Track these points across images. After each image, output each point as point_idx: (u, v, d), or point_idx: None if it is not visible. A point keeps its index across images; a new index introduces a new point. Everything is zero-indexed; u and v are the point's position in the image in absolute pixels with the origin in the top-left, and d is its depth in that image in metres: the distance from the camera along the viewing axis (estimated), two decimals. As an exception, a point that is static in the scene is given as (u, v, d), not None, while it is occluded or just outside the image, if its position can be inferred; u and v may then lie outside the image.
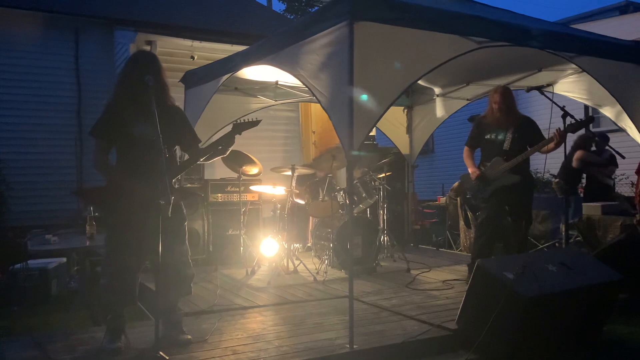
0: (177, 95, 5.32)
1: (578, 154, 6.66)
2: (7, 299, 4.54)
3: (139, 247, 3.04)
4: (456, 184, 8.02)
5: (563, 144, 4.47)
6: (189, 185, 6.06)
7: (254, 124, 3.24)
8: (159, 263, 2.77)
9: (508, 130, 4.73)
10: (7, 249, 5.16)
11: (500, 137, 4.76)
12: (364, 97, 3.20)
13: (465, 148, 5.04)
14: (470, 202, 6.88)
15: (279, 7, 25.36)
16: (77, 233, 4.55)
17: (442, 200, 8.35)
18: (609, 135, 7.04)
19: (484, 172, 4.78)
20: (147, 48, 7.15)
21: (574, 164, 6.63)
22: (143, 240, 2.99)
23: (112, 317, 3.17)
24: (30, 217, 6.61)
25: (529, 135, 4.71)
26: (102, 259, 3.30)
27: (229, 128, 3.20)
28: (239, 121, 3.21)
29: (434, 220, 8.29)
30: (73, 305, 4.17)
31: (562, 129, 4.40)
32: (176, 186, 3.27)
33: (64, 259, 5.29)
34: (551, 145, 4.52)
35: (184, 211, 3.29)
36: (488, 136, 4.83)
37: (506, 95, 4.73)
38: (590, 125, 10.16)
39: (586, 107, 8.71)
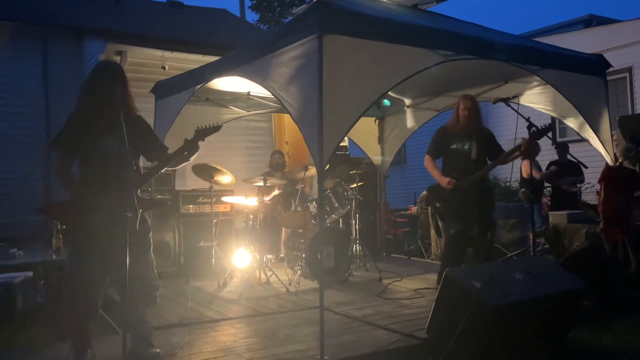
0: (148, 105, 5.31)
1: (523, 164, 6.80)
2: (-30, 316, 4.40)
3: (104, 260, 3.00)
4: (424, 193, 8.12)
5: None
6: (159, 196, 5.99)
7: (216, 129, 3.24)
8: (124, 276, 2.73)
9: (472, 140, 4.81)
10: (-30, 263, 5.01)
11: (466, 147, 4.83)
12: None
13: (428, 157, 4.98)
14: (441, 210, 6.97)
15: (252, 17, 25.36)
16: (44, 246, 4.47)
17: (414, 209, 8.44)
18: (574, 145, 7.24)
19: (458, 183, 4.76)
20: (117, 58, 7.07)
21: (523, 173, 6.81)
22: (108, 254, 2.95)
23: (77, 331, 3.11)
24: (-6, 230, 6.45)
25: (490, 145, 4.87)
26: (65, 272, 3.24)
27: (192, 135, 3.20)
28: (200, 127, 3.20)
29: (406, 229, 8.37)
30: (39, 321, 4.08)
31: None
32: (142, 196, 3.24)
33: (30, 273, 5.17)
34: (517, 153, 4.63)
35: (149, 222, 3.26)
36: (454, 146, 4.86)
37: (475, 103, 4.85)
38: (557, 135, 10.44)
39: (553, 119, 8.94)
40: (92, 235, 2.95)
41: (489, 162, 4.87)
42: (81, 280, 3.01)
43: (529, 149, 4.45)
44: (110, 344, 3.32)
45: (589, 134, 4.83)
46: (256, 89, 5.63)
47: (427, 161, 5.00)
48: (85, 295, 3.03)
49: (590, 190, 8.73)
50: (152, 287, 3.23)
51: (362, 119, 3.58)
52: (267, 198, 5.65)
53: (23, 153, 7.00)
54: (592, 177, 7.42)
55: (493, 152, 4.87)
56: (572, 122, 4.99)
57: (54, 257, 4.08)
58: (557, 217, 5.66)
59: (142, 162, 3.38)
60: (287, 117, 8.49)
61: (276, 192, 6.26)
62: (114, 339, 3.41)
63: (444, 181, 4.82)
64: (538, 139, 4.54)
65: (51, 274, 4.25)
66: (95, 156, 3.01)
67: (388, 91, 3.59)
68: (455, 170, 4.81)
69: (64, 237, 4.09)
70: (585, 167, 5.13)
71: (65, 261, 3.38)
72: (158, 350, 3.23)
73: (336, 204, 5.81)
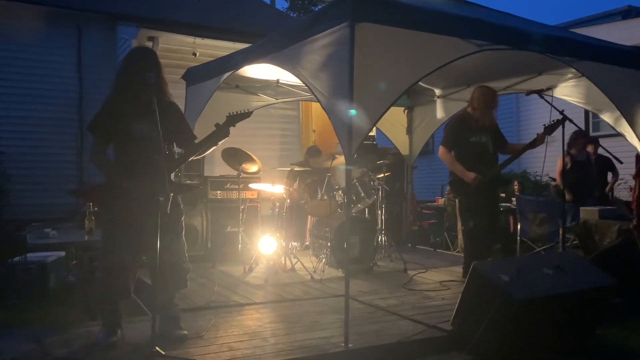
0: (179, 91, 5.37)
1: (559, 159, 6.66)
2: (5, 292, 4.56)
3: (137, 243, 3.06)
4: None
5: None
6: (188, 181, 6.07)
7: (247, 115, 3.24)
8: (156, 259, 2.79)
9: (488, 132, 4.79)
10: (6, 242, 5.18)
11: (484, 139, 4.79)
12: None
13: (445, 149, 4.78)
14: (462, 204, 6.90)
15: (282, 4, 25.41)
16: (76, 227, 4.58)
17: (441, 201, 8.37)
18: (609, 139, 7.05)
19: (483, 178, 4.64)
20: (150, 44, 7.17)
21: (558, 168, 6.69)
22: (141, 237, 3.01)
23: (108, 311, 3.19)
24: (29, 211, 6.64)
25: (499, 137, 4.87)
26: (98, 253, 3.32)
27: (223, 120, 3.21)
28: (231, 113, 3.22)
29: (432, 221, 8.31)
30: (70, 300, 4.20)
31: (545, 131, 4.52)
32: (173, 179, 3.29)
33: (63, 253, 5.31)
34: (531, 147, 4.65)
35: (181, 206, 3.30)
36: (474, 138, 4.77)
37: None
38: (590, 129, 10.20)
39: (586, 112, 8.74)
40: (125, 218, 3.02)
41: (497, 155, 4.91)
42: (114, 262, 3.08)
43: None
44: (139, 325, 3.40)
45: (625, 128, 4.70)
46: (285, 77, 5.64)
47: (445, 154, 4.79)
48: (117, 277, 3.10)
49: (624, 187, 8.52)
50: (183, 271, 3.29)
51: (391, 108, 3.54)
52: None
53: (57, 135, 7.19)
54: (626, 173, 7.25)
55: (500, 143, 4.91)
56: (608, 117, 4.87)
57: (86, 238, 4.19)
58: (588, 213, 5.55)
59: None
60: (315, 105, 8.49)
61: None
62: (143, 320, 3.50)
63: (470, 177, 4.64)
64: (550, 134, 4.50)
65: (83, 254, 4.36)
66: (130, 140, 3.07)
67: (419, 81, 3.54)
68: (477, 163, 4.69)
69: (96, 219, 4.19)
70: (620, 162, 5.00)
71: (98, 243, 3.45)
72: (185, 332, 3.29)
73: (362, 194, 5.80)
